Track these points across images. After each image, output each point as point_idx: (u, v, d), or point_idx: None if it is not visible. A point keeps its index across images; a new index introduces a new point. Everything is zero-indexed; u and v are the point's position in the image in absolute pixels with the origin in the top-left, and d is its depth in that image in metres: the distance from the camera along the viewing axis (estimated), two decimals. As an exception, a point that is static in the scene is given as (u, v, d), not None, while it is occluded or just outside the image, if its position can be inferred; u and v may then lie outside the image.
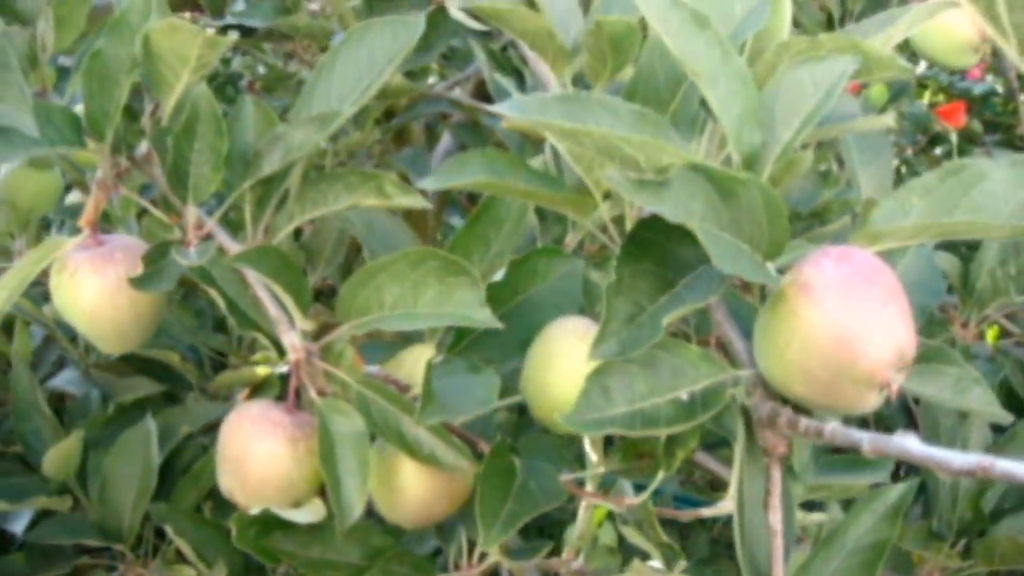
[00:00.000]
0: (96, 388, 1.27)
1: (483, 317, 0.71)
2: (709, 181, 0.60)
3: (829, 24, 1.60)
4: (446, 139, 1.54)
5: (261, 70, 1.53)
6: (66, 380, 1.31)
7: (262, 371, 1.21)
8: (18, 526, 1.17)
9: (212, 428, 1.30)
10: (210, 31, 1.38)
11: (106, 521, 1.16)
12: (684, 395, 0.65)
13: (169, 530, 1.11)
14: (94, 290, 0.81)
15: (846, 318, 0.64)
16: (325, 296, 1.38)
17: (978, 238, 0.68)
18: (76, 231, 0.84)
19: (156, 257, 0.80)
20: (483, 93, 1.44)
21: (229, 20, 1.12)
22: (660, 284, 0.65)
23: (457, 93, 1.44)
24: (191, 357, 1.33)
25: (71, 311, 0.83)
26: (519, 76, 1.41)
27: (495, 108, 0.59)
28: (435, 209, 1.52)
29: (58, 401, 1.38)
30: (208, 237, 0.82)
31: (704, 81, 0.68)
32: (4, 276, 0.80)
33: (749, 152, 0.69)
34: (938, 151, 2.39)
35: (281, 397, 0.84)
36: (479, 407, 0.72)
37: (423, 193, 0.80)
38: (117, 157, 0.82)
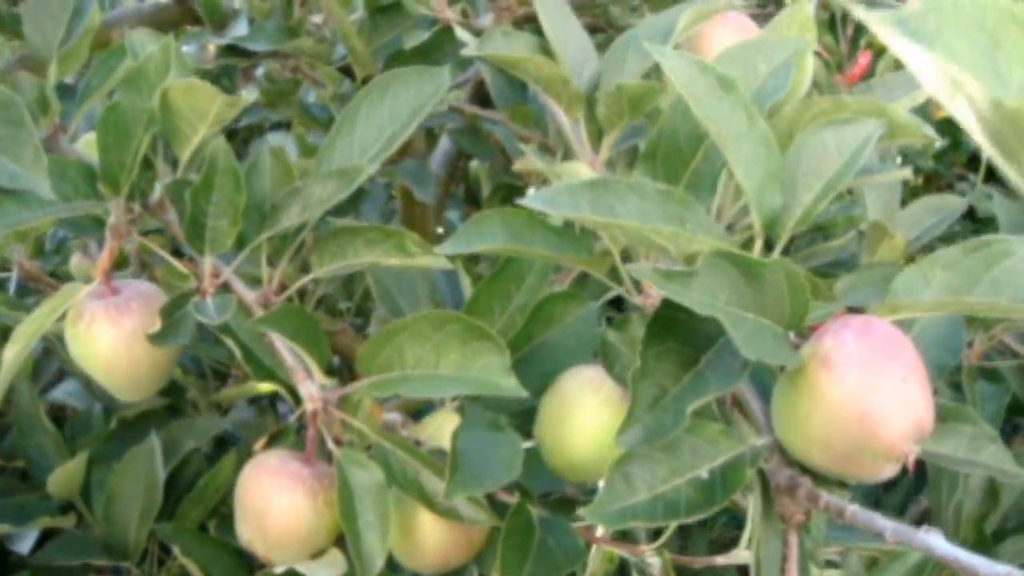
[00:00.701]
0: (98, 401, 1.27)
1: (509, 385, 0.71)
2: (735, 266, 0.61)
3: (831, 25, 1.60)
4: (444, 143, 1.53)
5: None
6: (67, 392, 1.31)
7: (265, 387, 1.21)
8: (24, 546, 1.17)
9: (217, 441, 1.31)
10: (211, 48, 1.37)
11: (112, 539, 1.16)
12: (704, 473, 0.65)
13: (176, 550, 1.11)
14: (110, 342, 0.81)
15: (867, 395, 0.64)
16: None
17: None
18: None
19: (173, 310, 0.80)
20: (482, 96, 1.43)
21: (232, 40, 1.10)
22: (683, 362, 0.65)
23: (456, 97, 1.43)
24: (193, 368, 1.33)
25: (88, 362, 0.83)
26: (521, 83, 1.41)
27: (527, 201, 0.59)
28: (436, 204, 1.51)
29: (59, 411, 1.38)
30: (224, 286, 0.81)
31: (728, 145, 0.68)
32: (18, 328, 0.80)
33: (769, 216, 0.69)
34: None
35: (297, 445, 0.84)
36: (506, 475, 0.72)
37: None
38: (131, 204, 0.82)
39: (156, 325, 0.80)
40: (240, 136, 1.74)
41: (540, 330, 0.86)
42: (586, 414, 0.77)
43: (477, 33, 1.08)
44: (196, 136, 0.78)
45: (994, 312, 0.68)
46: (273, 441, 0.90)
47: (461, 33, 0.91)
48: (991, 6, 0.36)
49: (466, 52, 0.81)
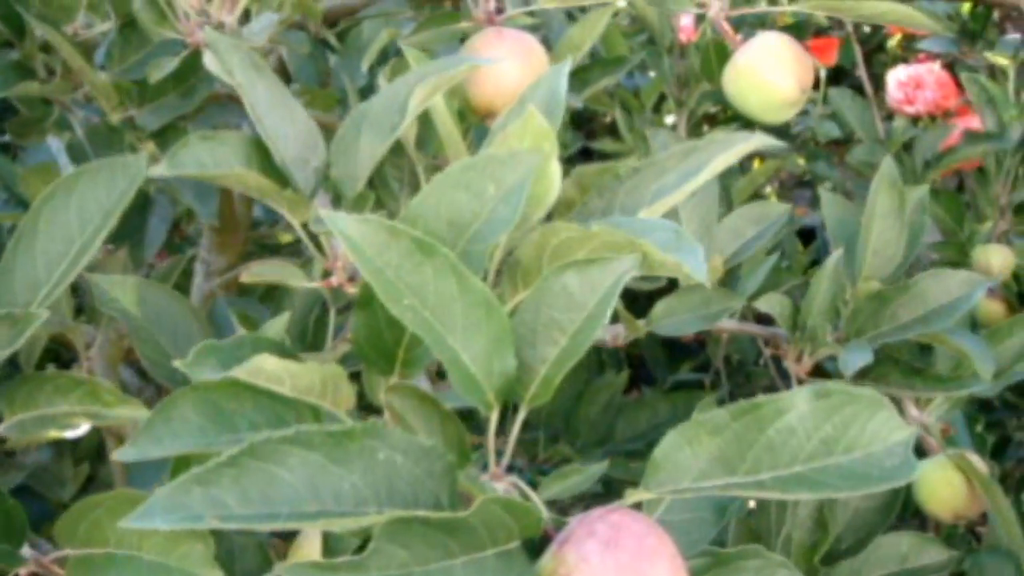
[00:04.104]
0: None
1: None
2: (426, 527, 0.50)
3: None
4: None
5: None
6: None
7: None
8: None
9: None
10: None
11: None
12: None
13: None
14: None
15: None
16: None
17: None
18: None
19: None
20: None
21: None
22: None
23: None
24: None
25: None
26: (324, 61, 1.26)
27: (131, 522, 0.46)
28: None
29: None
30: None
31: (438, 317, 0.56)
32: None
33: (502, 384, 0.58)
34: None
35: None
36: None
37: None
38: None
39: None
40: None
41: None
42: None
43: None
44: None
45: (772, 491, 0.58)
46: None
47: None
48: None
49: (155, 172, 0.67)
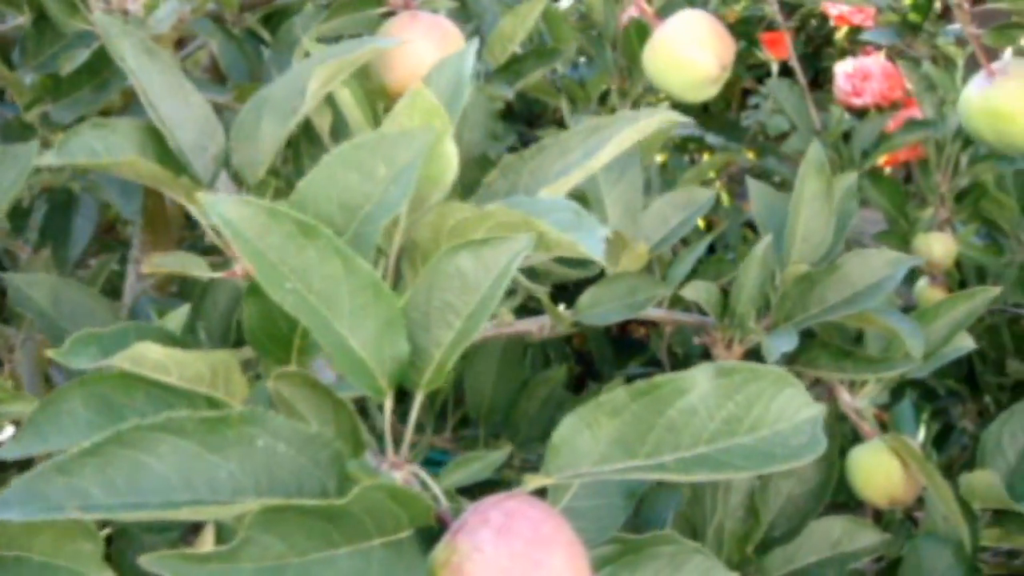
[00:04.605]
0: None
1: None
2: (304, 515, 0.48)
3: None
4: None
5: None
6: None
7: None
8: None
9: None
10: None
11: None
12: None
13: None
14: None
15: None
16: None
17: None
18: None
19: None
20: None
21: None
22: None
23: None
24: None
25: None
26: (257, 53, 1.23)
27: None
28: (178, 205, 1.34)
29: None
30: None
31: (325, 301, 0.55)
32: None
33: (396, 369, 0.57)
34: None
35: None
36: None
37: None
38: None
39: None
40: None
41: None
42: None
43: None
44: None
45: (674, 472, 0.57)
46: None
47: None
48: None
49: (43, 162, 0.65)
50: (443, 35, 0.86)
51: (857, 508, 1.29)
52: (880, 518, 1.24)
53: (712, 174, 2.12)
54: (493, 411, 1.36)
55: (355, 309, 0.56)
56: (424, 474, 0.59)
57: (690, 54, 0.85)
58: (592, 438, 0.57)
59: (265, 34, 1.21)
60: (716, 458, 0.57)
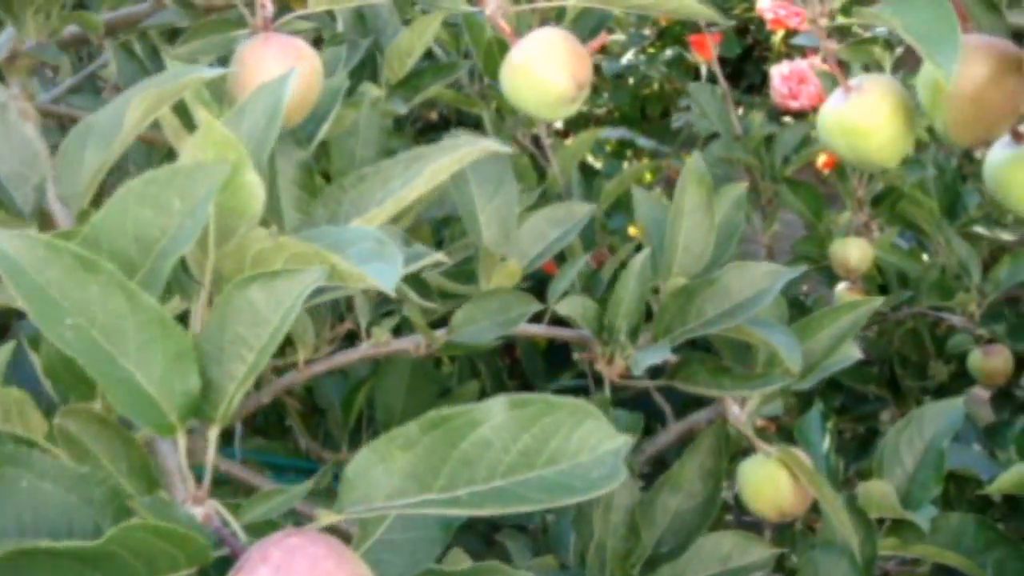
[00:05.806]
0: None
1: None
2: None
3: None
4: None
5: None
6: None
7: None
8: None
9: None
10: None
11: None
12: None
13: None
14: None
15: None
16: None
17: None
18: None
19: None
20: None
21: None
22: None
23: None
24: None
25: None
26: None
27: None
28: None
29: None
30: None
31: (106, 336, 0.54)
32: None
33: (186, 405, 0.56)
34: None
35: None
36: None
37: None
38: None
39: None
40: None
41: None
42: None
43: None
44: None
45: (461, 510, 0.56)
46: None
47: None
48: None
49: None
50: (296, 57, 0.85)
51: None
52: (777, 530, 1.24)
53: (649, 178, 2.12)
54: (404, 426, 1.34)
55: (141, 344, 0.55)
56: (223, 510, 0.58)
57: (546, 74, 0.84)
58: (386, 472, 0.56)
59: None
60: (512, 491, 0.56)
